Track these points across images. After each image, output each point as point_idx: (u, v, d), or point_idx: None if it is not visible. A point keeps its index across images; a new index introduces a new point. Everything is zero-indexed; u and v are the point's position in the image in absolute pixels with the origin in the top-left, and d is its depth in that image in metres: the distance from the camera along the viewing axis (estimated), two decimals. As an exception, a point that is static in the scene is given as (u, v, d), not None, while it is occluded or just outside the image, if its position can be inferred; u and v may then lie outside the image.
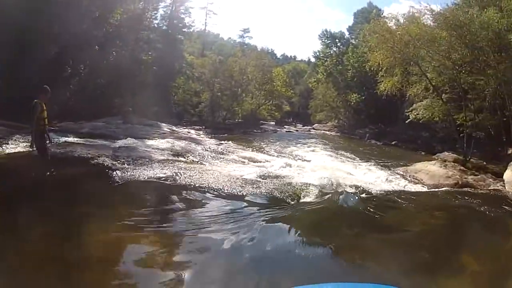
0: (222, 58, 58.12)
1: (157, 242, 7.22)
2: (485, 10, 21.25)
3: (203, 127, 42.54)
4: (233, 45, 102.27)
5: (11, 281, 5.64)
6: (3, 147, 16.24)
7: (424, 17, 26.25)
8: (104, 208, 8.81)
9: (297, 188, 11.77)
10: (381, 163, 20.73)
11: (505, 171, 17.53)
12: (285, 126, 64.69)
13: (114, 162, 13.92)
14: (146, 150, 17.89)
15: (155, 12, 51.67)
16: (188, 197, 10.21)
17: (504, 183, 16.62)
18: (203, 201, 10.03)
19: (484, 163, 21.32)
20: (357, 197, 10.99)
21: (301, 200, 10.59)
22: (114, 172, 12.22)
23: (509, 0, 20.85)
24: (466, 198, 13.21)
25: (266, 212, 9.34)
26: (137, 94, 37.07)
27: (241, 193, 10.83)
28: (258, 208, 9.60)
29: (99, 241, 6.97)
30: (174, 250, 7.10)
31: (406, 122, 33.73)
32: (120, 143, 19.71)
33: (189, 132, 33.24)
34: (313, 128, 65.50)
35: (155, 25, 52.29)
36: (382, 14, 50.15)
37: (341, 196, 10.65)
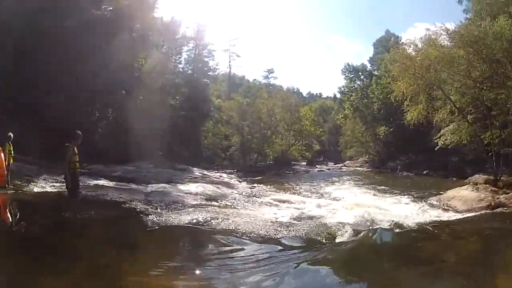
0: (249, 100, 58.50)
1: (190, 287, 7.12)
2: (496, 19, 21.18)
3: (235, 170, 42.63)
4: (259, 86, 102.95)
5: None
6: (31, 185, 16.78)
7: (440, 38, 26.22)
8: (136, 252, 8.76)
9: (332, 228, 11.52)
10: (415, 195, 20.53)
11: (536, 186, 17.26)
12: (316, 166, 64.68)
13: (147, 207, 13.98)
14: (178, 195, 17.90)
15: (179, 56, 52.63)
16: (222, 241, 10.01)
17: (537, 198, 16.29)
18: (237, 245, 9.78)
19: (515, 179, 20.92)
20: (392, 232, 10.65)
21: (337, 240, 10.37)
22: (147, 217, 12.22)
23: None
24: (499, 219, 13.14)
25: (301, 254, 9.10)
26: (166, 139, 37.53)
27: (276, 236, 10.62)
28: (293, 250, 9.35)
29: (128, 285, 6.84)
30: None
31: (435, 149, 33.46)
32: (152, 187, 19.88)
33: (221, 176, 33.47)
34: (345, 165, 65.78)
35: (180, 69, 53.19)
36: (400, 41, 50.81)
37: (376, 233, 10.13)
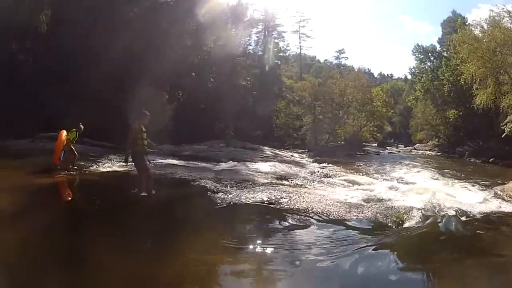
0: (321, 81, 58.18)
1: (253, 264, 7.16)
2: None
3: (306, 150, 42.70)
4: (330, 67, 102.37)
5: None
6: (97, 165, 17.46)
7: (504, 20, 25.75)
8: (201, 229, 8.88)
9: (400, 212, 11.23)
10: (480, 182, 19.86)
11: None
12: (387, 148, 64.22)
13: (216, 185, 14.14)
14: (249, 173, 18.16)
15: (248, 38, 52.89)
16: (291, 220, 10.08)
17: None
18: (305, 225, 9.84)
19: None
20: (457, 221, 10.21)
21: (404, 225, 10.17)
22: (216, 194, 12.42)
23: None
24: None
25: (367, 237, 9.03)
26: (238, 118, 38.15)
27: (344, 218, 10.60)
28: (360, 233, 9.35)
29: (193, 261, 7.05)
30: (271, 273, 6.99)
31: (502, 136, 32.76)
32: (222, 166, 20.27)
33: (292, 156, 33.69)
34: (414, 148, 64.64)
35: (250, 51, 53.31)
36: (467, 22, 50.56)
37: (442, 220, 10.04)
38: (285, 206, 11.53)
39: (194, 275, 6.62)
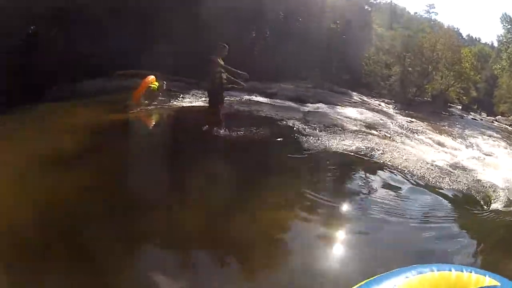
0: (411, 33, 57.23)
1: (331, 225, 6.81)
2: None
3: (393, 101, 42.21)
4: (420, 20, 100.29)
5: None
6: (178, 100, 17.30)
7: None
8: (287, 177, 8.63)
9: (486, 189, 10.59)
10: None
11: None
12: (471, 113, 61.41)
13: (304, 127, 13.91)
14: (337, 118, 17.88)
15: (337, -20, 51.89)
16: (384, 178, 9.76)
17: None
18: (391, 183, 9.42)
19: None
20: None
21: (491, 206, 9.40)
22: (305, 138, 12.20)
23: None
24: None
25: (458, 211, 8.57)
26: (327, 61, 37.71)
27: (434, 183, 10.06)
28: (452, 205, 8.87)
29: (267, 218, 6.70)
30: (347, 236, 6.57)
31: None
32: (310, 107, 19.95)
33: (379, 105, 33.65)
34: (496, 120, 61.30)
35: (339, -6, 52.48)
36: None
37: None
38: (377, 161, 11.25)
39: (265, 233, 6.34)
